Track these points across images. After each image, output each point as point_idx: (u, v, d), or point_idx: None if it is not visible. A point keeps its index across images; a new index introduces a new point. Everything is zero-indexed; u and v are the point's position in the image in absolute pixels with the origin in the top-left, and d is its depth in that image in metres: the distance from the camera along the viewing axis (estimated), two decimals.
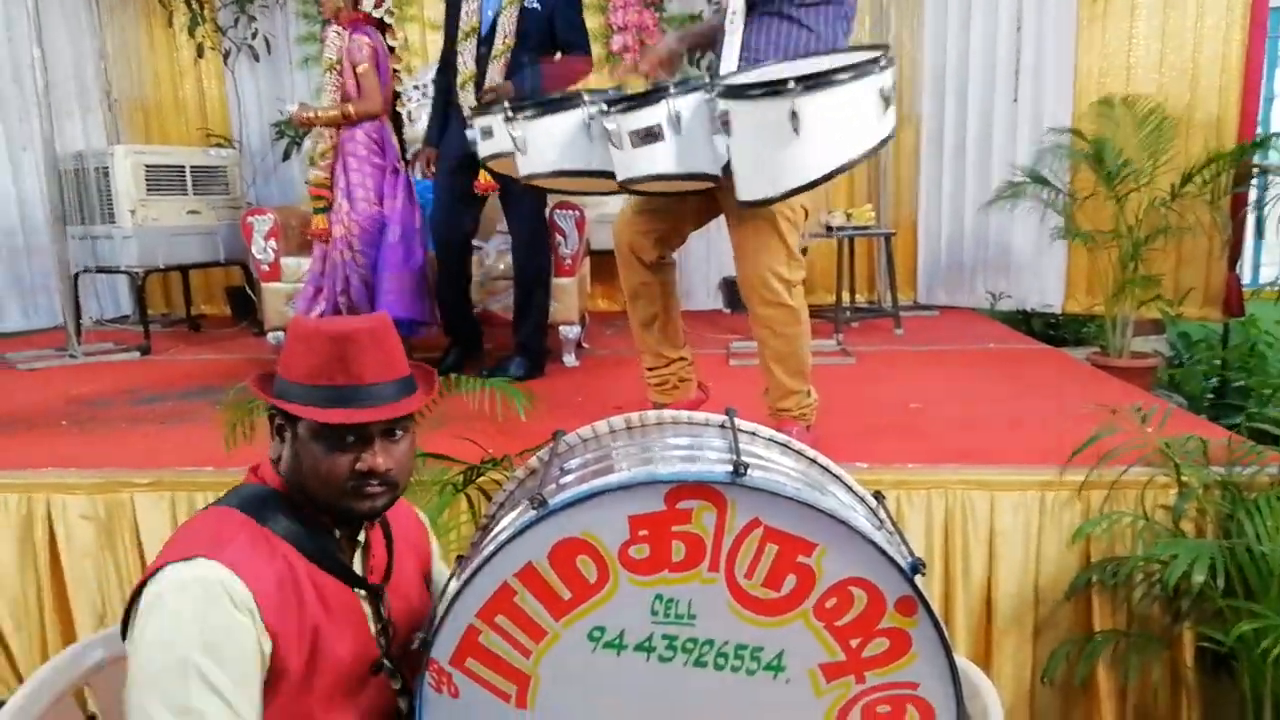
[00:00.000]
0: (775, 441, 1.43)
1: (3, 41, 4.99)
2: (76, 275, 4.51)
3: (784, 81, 1.77)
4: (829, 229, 4.49)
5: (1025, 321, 5.09)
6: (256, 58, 5.50)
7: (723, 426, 1.37)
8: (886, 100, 1.88)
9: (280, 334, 3.94)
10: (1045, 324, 5.22)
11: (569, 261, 3.83)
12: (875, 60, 1.85)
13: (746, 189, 1.96)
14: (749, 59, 2.30)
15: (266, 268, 3.89)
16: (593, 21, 5.45)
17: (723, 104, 1.88)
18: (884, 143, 1.93)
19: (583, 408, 3.12)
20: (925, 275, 5.39)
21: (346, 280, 3.52)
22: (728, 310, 5.31)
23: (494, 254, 3.94)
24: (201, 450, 2.49)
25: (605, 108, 2.05)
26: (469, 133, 2.62)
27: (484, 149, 2.47)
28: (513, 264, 3.63)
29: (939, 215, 5.28)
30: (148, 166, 4.56)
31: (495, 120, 2.33)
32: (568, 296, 3.83)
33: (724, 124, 1.89)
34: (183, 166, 4.75)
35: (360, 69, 3.52)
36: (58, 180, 4.34)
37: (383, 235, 3.55)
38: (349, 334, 1.19)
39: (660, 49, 2.50)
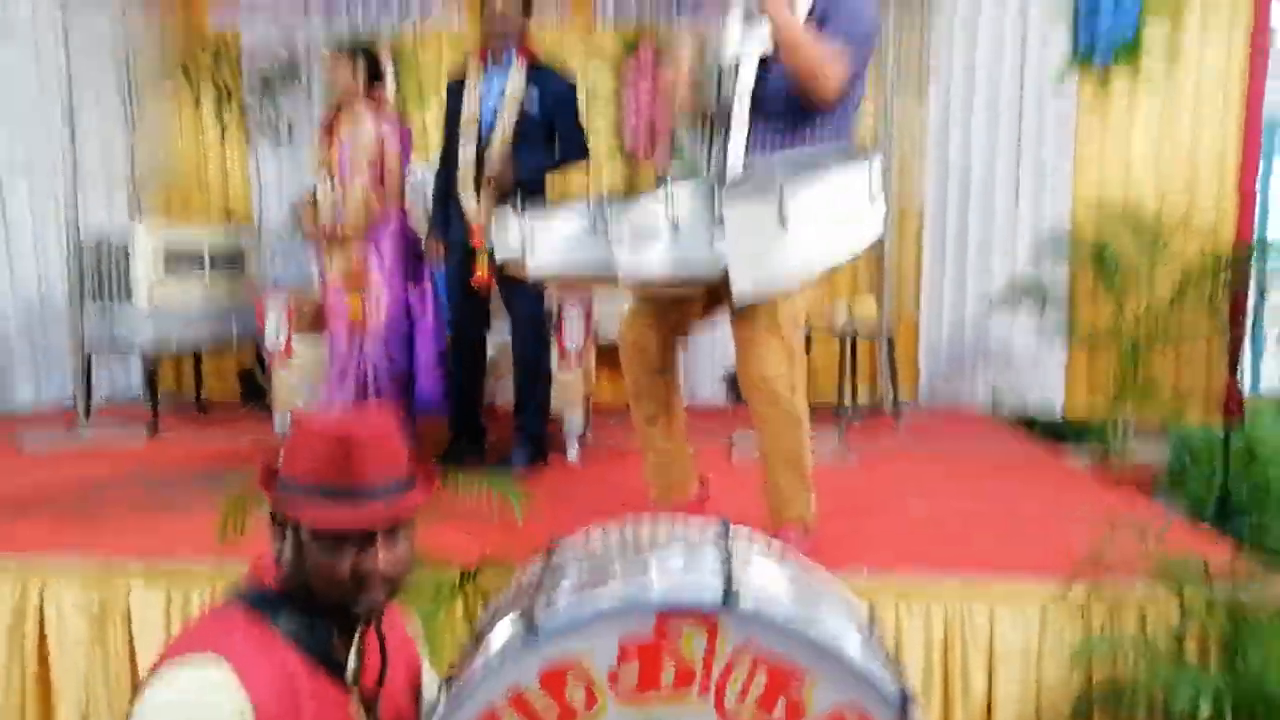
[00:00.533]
0: (771, 551, 1.44)
1: (35, 118, 5.16)
2: (89, 354, 4.56)
3: (771, 179, 1.83)
4: (831, 328, 4.54)
5: (1027, 422, 5.10)
6: (280, 141, 5.65)
7: (716, 537, 1.38)
8: (874, 195, 1.94)
9: (288, 417, 3.97)
10: (1047, 425, 5.22)
11: (574, 353, 3.87)
12: (862, 156, 1.92)
13: (741, 285, 2.01)
14: (750, 161, 2.36)
15: (279, 350, 3.94)
16: (605, 114, 5.65)
17: (720, 202, 1.94)
18: (872, 238, 1.99)
19: (584, 505, 3.12)
20: (927, 372, 5.42)
21: (374, 368, 3.57)
22: (731, 404, 5.34)
23: (493, 344, 3.98)
24: (201, 540, 2.48)
25: (608, 209, 2.11)
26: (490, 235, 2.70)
27: (500, 252, 2.52)
28: (512, 353, 3.67)
29: (940, 311, 5.34)
30: (168, 246, 4.65)
31: (509, 223, 2.41)
32: (572, 388, 3.86)
33: (720, 222, 1.95)
34: (201, 245, 4.84)
35: (393, 155, 3.62)
36: (78, 257, 4.44)
37: (413, 321, 3.63)
38: (354, 436, 1.22)
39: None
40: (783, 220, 1.81)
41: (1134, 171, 4.72)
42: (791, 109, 2.36)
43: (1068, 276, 4.73)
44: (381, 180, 3.60)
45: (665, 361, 2.61)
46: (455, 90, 3.60)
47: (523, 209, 2.32)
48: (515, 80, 3.45)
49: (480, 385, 3.80)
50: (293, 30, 5.62)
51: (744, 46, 2.40)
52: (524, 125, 3.45)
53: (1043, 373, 4.95)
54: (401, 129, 3.73)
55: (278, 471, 1.27)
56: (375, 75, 3.64)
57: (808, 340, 4.56)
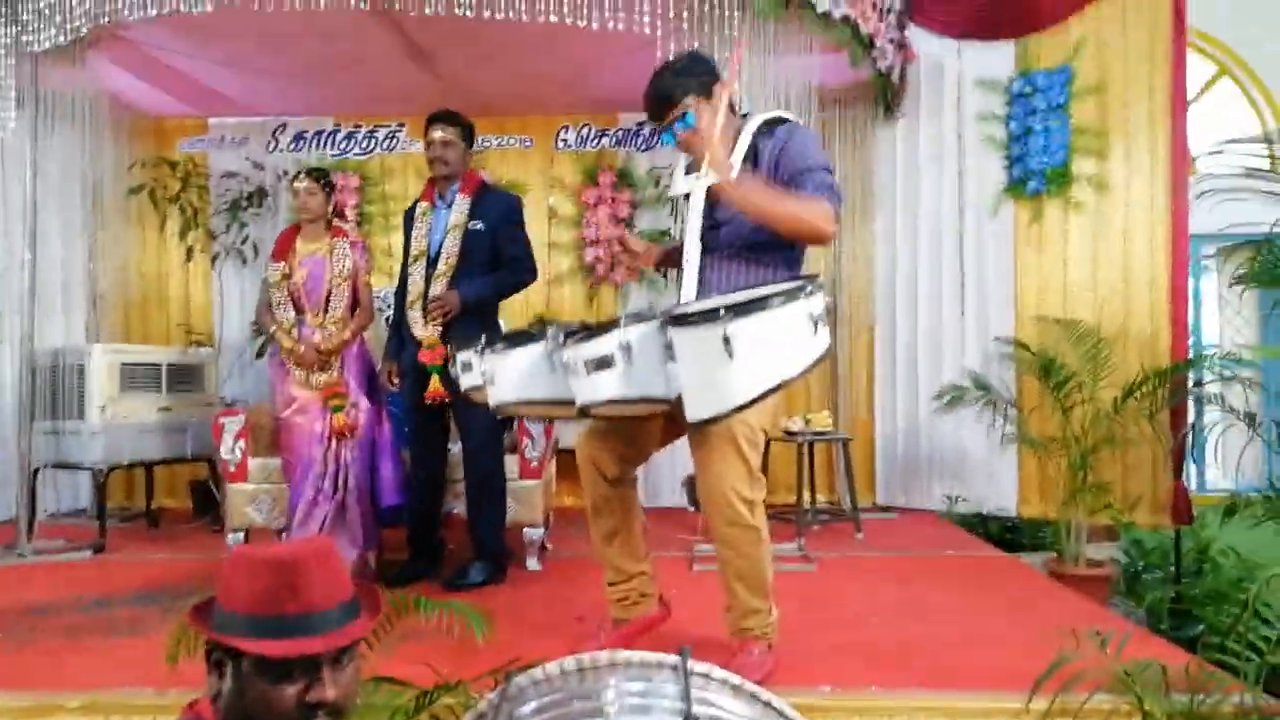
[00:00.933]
0: (729, 684, 1.43)
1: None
2: (36, 470, 4.48)
3: (716, 310, 1.89)
4: (788, 433, 4.63)
5: (982, 524, 5.16)
6: (244, 261, 5.73)
7: (675, 669, 1.37)
8: (816, 323, 2.01)
9: (240, 535, 3.90)
10: (1002, 527, 5.30)
11: (535, 464, 3.88)
12: (802, 287, 2.00)
13: (693, 408, 2.04)
14: (705, 294, 2.45)
15: (234, 468, 3.90)
16: (568, 234, 5.83)
17: (669, 331, 2.00)
18: (817, 361, 2.03)
19: (545, 620, 3.08)
20: (883, 477, 5.51)
21: (354, 477, 3.59)
22: (691, 508, 5.33)
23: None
24: (143, 668, 2.41)
25: (562, 340, 2.17)
26: (452, 368, 2.78)
27: (465, 381, 2.61)
28: (465, 467, 3.68)
29: (894, 419, 5.45)
30: (124, 364, 4.66)
31: (472, 355, 2.51)
32: (533, 498, 3.86)
33: (670, 350, 2.00)
34: (159, 365, 4.85)
35: (364, 279, 3.78)
36: (32, 376, 4.40)
37: (374, 436, 3.70)
38: (296, 559, 1.19)
39: (640, 250, 2.66)
40: (729, 351, 1.87)
41: (1071, 288, 4.94)
42: (744, 241, 2.46)
43: (1015, 383, 4.88)
44: (355, 302, 3.74)
45: (623, 476, 2.62)
46: (408, 220, 3.77)
47: (483, 348, 2.40)
48: (459, 211, 3.63)
49: (439, 502, 3.82)
50: (261, 155, 5.79)
51: (694, 183, 2.52)
52: (470, 248, 3.60)
53: (995, 476, 5.04)
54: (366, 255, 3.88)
55: (211, 606, 1.23)
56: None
57: (766, 446, 4.67)
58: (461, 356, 2.61)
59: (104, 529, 4.50)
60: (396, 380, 3.74)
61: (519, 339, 2.36)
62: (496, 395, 2.38)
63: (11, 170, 4.64)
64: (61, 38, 3.74)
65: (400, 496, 3.73)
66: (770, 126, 2.48)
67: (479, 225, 3.62)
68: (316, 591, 1.19)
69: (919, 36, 5.18)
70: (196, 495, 5.39)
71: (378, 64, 4.80)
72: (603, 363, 2.05)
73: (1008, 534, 5.30)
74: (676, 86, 2.46)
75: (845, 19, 4.01)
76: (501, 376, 2.34)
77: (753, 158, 2.44)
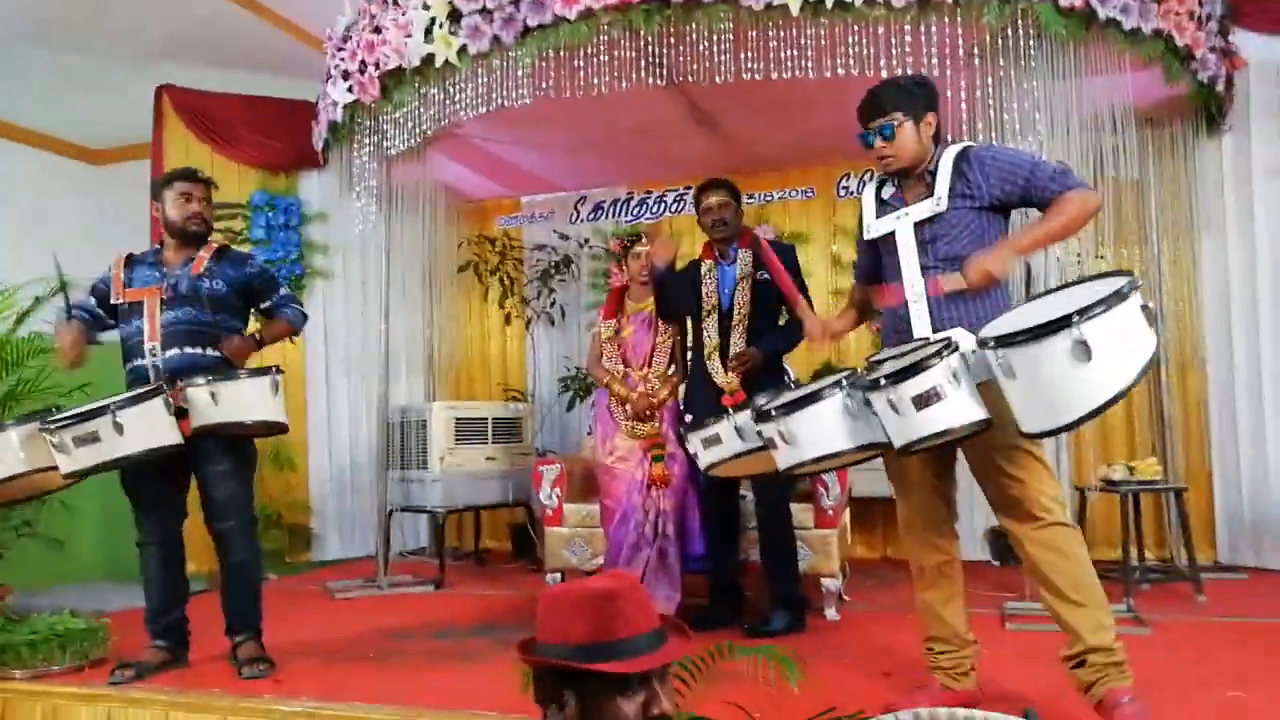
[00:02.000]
0: None
1: (357, 314, 6.13)
2: (390, 513, 5.16)
3: (1067, 318, 1.87)
4: (1109, 483, 4.23)
5: None
6: (552, 322, 6.31)
7: None
8: (1150, 316, 1.97)
9: (558, 576, 4.23)
10: None
11: (830, 513, 3.88)
12: (1132, 281, 1.96)
13: (1034, 422, 2.04)
14: (944, 323, 2.42)
15: (550, 512, 4.26)
16: (851, 281, 5.80)
17: (1001, 353, 1.99)
18: (1152, 360, 1.97)
19: (848, 670, 3.05)
20: (1226, 532, 4.86)
21: (668, 524, 3.80)
22: (996, 563, 5.04)
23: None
24: (487, 693, 2.68)
25: (881, 381, 2.15)
26: (689, 446, 2.87)
27: (706, 458, 2.70)
28: (757, 513, 3.76)
29: (1237, 465, 4.81)
30: (457, 419, 5.27)
31: (724, 427, 2.60)
32: (829, 548, 3.85)
33: (1004, 370, 1.99)
34: (485, 419, 5.43)
35: (676, 339, 4.04)
36: (386, 430, 5.12)
37: (690, 481, 3.90)
38: (616, 592, 1.31)
39: (829, 326, 2.85)
40: (1086, 355, 1.86)
41: None
42: (948, 254, 2.45)
43: None
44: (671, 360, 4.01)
45: (953, 533, 2.61)
46: (690, 275, 3.95)
47: (776, 412, 2.34)
48: (743, 265, 3.81)
49: (736, 547, 3.90)
50: (565, 227, 6.36)
51: (896, 222, 2.54)
52: (758, 299, 3.77)
53: None
54: None
55: (533, 645, 1.36)
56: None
57: (1082, 498, 4.30)
58: (703, 434, 2.68)
59: (443, 566, 5.08)
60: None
61: (811, 398, 2.30)
62: (794, 456, 2.34)
63: (370, 255, 5.46)
64: (412, 140, 4.40)
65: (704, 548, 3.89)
66: (964, 153, 2.50)
67: (765, 276, 3.74)
68: (637, 619, 1.31)
69: (1246, 41, 4.66)
70: (516, 538, 5.93)
71: (666, 132, 5.12)
72: (932, 396, 2.06)
73: None
74: (890, 99, 2.53)
75: (1157, 32, 3.71)
76: (803, 436, 2.30)
77: (961, 182, 2.46)
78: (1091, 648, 2.29)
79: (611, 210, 6.37)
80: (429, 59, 4.07)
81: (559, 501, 4.24)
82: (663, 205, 6.27)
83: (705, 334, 3.83)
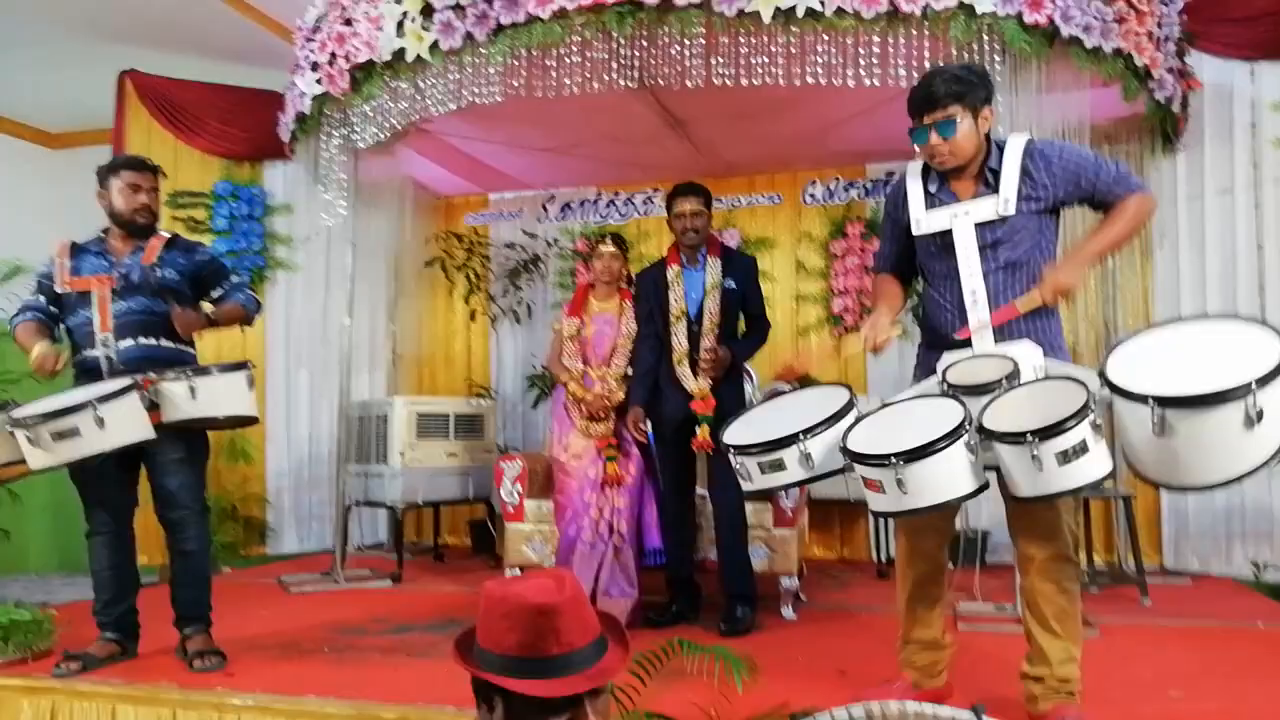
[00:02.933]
0: None
1: (319, 308, 6.08)
2: (349, 507, 5.11)
3: (1245, 386, 1.78)
4: None
5: None
6: (518, 320, 6.30)
7: None
8: None
9: (517, 571, 4.23)
10: None
11: (790, 513, 3.92)
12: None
13: (1172, 476, 1.97)
14: (1007, 337, 2.34)
15: (512, 509, 4.26)
16: (815, 286, 5.88)
17: (1161, 411, 1.86)
18: None
19: (804, 667, 3.09)
20: (1171, 538, 4.99)
21: (623, 523, 3.82)
22: (951, 565, 5.11)
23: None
24: (444, 687, 2.67)
25: (1027, 437, 1.95)
26: (734, 465, 2.45)
27: (762, 482, 2.35)
28: (715, 512, 3.80)
29: None
30: (419, 415, 5.24)
31: (791, 453, 2.25)
32: (787, 547, 3.90)
33: (1155, 427, 1.86)
34: (448, 415, 5.41)
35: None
36: (346, 424, 5.07)
37: (646, 478, 3.93)
38: (551, 607, 1.28)
39: (883, 329, 2.49)
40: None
41: None
42: (1019, 260, 2.37)
43: None
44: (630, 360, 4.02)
45: (947, 541, 2.58)
46: (652, 279, 3.96)
47: (897, 459, 2.04)
48: (713, 273, 3.84)
49: (693, 545, 3.94)
50: (533, 225, 6.36)
51: (955, 220, 2.40)
52: (725, 305, 3.82)
53: None
54: None
55: (472, 639, 1.35)
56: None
57: None
58: (764, 458, 2.30)
59: (401, 561, 5.05)
60: (644, 426, 3.89)
61: (936, 445, 2.04)
62: (903, 503, 2.08)
63: (335, 248, 5.42)
64: (381, 135, 4.37)
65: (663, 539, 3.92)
66: (1029, 150, 2.39)
67: (732, 285, 3.82)
68: (573, 634, 1.29)
69: (1201, 63, 4.79)
70: (475, 534, 5.91)
71: (636, 135, 5.14)
72: (1077, 451, 1.93)
73: None
74: (949, 91, 2.33)
75: (1118, 51, 3.81)
76: (924, 485, 2.05)
77: (1027, 183, 2.36)
78: (1055, 676, 2.33)
79: (580, 210, 6.39)
80: (400, 53, 4.05)
81: (520, 498, 4.24)
82: (631, 207, 6.30)
83: (674, 339, 3.83)
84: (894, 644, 2.66)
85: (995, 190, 2.37)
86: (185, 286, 3.29)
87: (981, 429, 2.03)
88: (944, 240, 2.43)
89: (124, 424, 2.89)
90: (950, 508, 2.24)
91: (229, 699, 2.76)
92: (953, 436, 2.01)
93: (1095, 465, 1.95)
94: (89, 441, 2.83)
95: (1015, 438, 1.96)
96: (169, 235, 3.36)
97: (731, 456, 2.33)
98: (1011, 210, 2.34)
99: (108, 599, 3.21)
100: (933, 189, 2.46)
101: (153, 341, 3.17)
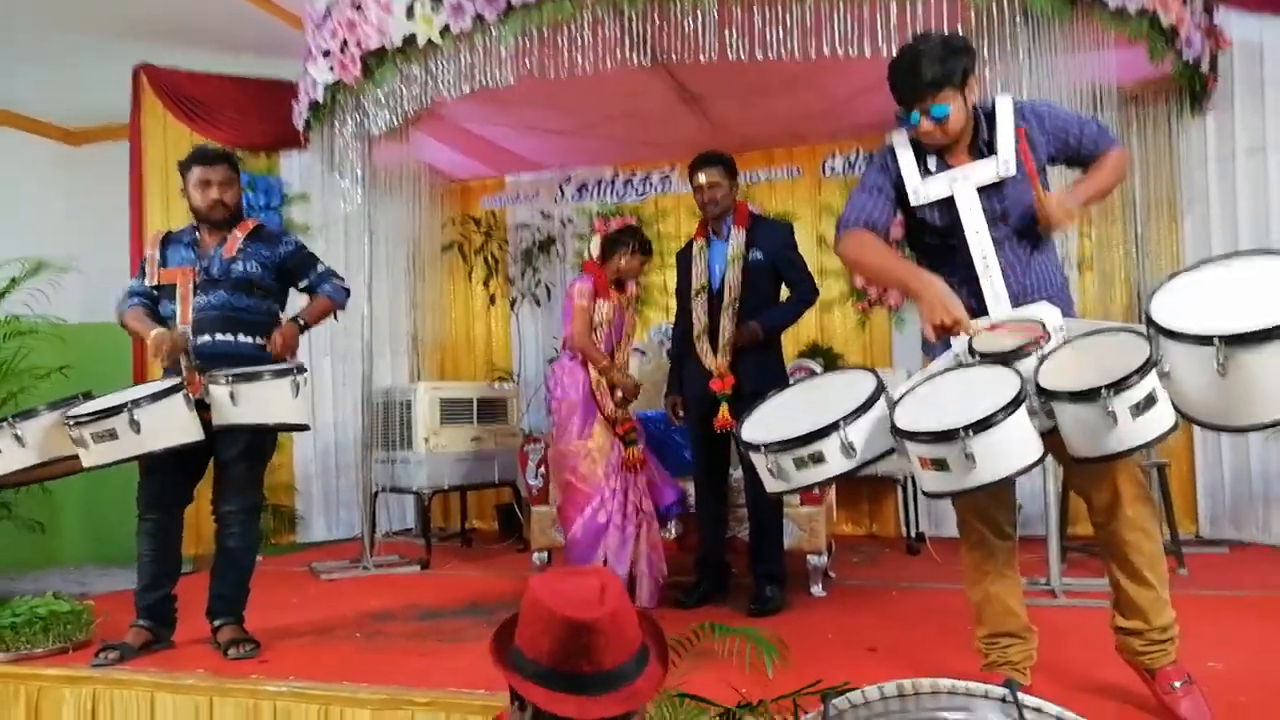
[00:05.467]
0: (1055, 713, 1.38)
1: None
2: (375, 494, 5.14)
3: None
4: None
5: None
6: (538, 302, 6.28)
7: (1003, 700, 1.33)
8: None
9: (545, 555, 4.24)
10: None
11: (816, 490, 3.88)
12: None
13: (1236, 416, 1.91)
14: (1019, 290, 2.30)
15: (536, 492, 4.26)
16: (837, 259, 5.79)
17: (1226, 350, 1.81)
18: None
19: (834, 645, 3.07)
20: (1207, 508, 4.93)
21: (646, 503, 3.78)
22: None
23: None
24: (474, 673, 2.69)
25: (1102, 392, 1.86)
26: (766, 465, 2.20)
27: (802, 478, 2.15)
28: (746, 492, 3.77)
29: (1217, 441, 4.86)
30: (442, 400, 5.25)
31: (830, 443, 2.06)
32: (815, 524, 3.87)
33: (1219, 367, 1.82)
34: (471, 399, 5.42)
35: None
36: (370, 412, 5.09)
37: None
38: (593, 624, 1.23)
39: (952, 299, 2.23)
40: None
41: None
42: (1027, 224, 2.33)
43: None
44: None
45: (1011, 519, 2.45)
46: (684, 258, 3.93)
47: (960, 433, 1.90)
48: (735, 244, 3.74)
49: (725, 525, 3.91)
50: (550, 207, 6.33)
51: (957, 185, 2.32)
52: (752, 279, 3.70)
53: None
54: None
55: (511, 634, 1.31)
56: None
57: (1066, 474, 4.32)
58: (799, 451, 2.10)
59: (429, 547, 5.08)
60: (681, 413, 3.89)
61: (997, 416, 1.91)
62: (969, 480, 1.94)
63: (352, 235, 5.42)
64: (395, 120, 4.35)
65: (674, 495, 3.90)
66: (1019, 110, 2.35)
67: (759, 255, 3.72)
68: (610, 652, 1.25)
69: (1230, 20, 4.67)
70: (502, 518, 5.94)
71: (652, 112, 5.09)
72: (1149, 401, 1.88)
73: None
74: (937, 73, 2.24)
75: (1142, 11, 3.71)
76: (995, 455, 1.92)
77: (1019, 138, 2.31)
78: (1154, 627, 2.26)
79: (596, 190, 6.34)
80: (411, 38, 4.01)
81: (544, 481, 4.24)
82: (648, 185, 6.24)
83: (694, 314, 3.78)
84: (970, 644, 2.51)
85: (994, 151, 2.32)
86: (270, 279, 3.28)
87: (1042, 390, 1.96)
88: (946, 210, 2.34)
89: (163, 427, 2.90)
90: (1014, 480, 2.08)
91: (263, 686, 2.78)
92: (1018, 401, 1.92)
93: (1166, 417, 1.90)
94: (125, 445, 2.85)
95: (1088, 395, 1.87)
96: (253, 226, 3.33)
97: (760, 455, 2.14)
98: (1012, 170, 2.28)
99: (147, 583, 3.24)
100: (930, 166, 2.38)
101: (230, 338, 3.17)
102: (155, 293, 3.24)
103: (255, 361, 3.12)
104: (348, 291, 3.47)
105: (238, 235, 3.24)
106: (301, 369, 3.15)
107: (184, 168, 3.27)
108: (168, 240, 3.29)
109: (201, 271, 3.18)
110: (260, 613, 3.40)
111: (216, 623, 3.24)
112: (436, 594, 4.17)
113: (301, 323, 3.29)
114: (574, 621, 1.23)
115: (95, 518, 5.69)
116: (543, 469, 4.26)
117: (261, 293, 3.22)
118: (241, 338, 3.18)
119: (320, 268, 3.41)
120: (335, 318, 3.48)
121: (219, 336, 3.14)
